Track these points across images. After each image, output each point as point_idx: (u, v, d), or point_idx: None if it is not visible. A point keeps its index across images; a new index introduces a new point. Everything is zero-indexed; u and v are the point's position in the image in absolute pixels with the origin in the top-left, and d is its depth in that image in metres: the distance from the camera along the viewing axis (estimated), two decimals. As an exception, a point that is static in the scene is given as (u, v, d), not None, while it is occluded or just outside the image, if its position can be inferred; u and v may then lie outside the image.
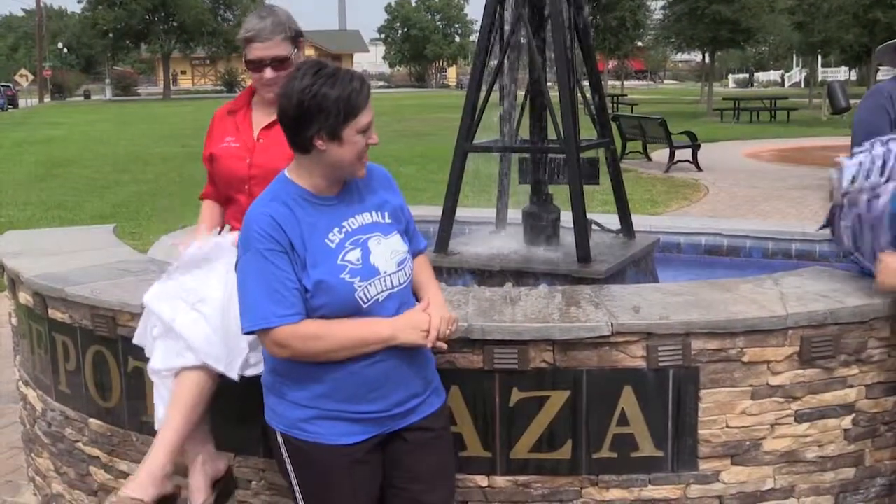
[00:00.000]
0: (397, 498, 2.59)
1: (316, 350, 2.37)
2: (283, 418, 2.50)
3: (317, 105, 2.29)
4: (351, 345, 2.38)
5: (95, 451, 3.55)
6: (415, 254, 2.66)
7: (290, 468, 2.53)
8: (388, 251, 2.46)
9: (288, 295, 2.34)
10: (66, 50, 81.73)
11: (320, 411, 2.44)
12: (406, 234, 2.60)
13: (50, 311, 3.60)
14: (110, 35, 62.29)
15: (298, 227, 2.38)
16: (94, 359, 3.44)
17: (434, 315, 2.48)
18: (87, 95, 67.35)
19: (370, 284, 2.41)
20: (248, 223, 2.40)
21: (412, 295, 2.59)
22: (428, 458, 2.58)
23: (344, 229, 2.44)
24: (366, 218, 2.49)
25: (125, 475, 3.45)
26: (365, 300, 2.41)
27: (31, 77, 56.43)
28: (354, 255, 2.41)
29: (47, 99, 62.97)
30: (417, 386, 2.53)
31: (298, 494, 2.54)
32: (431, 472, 2.60)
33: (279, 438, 2.52)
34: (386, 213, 2.54)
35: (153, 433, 3.02)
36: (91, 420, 3.53)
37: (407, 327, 2.43)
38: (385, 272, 2.44)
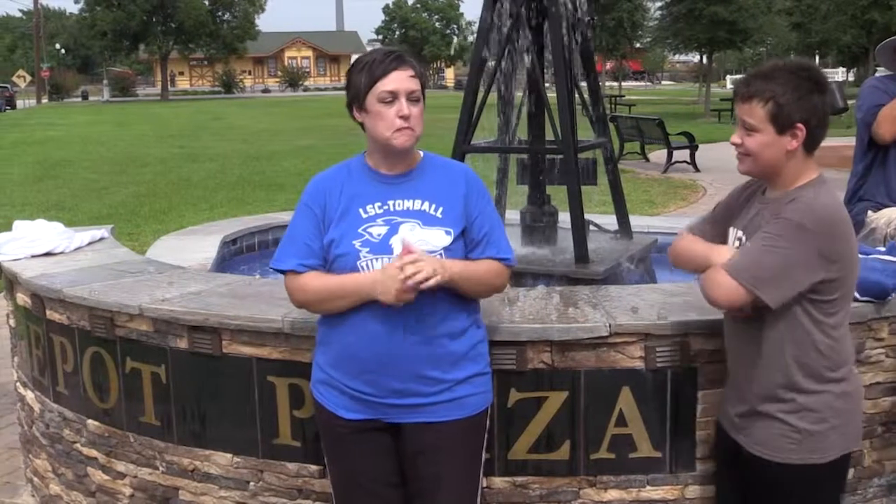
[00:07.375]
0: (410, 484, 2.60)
1: (303, 300, 2.54)
2: (313, 376, 2.63)
3: (349, 77, 2.50)
4: (327, 293, 2.46)
5: (93, 452, 3.54)
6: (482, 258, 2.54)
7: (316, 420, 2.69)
8: (414, 239, 2.41)
9: (301, 246, 2.50)
10: (63, 51, 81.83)
11: (329, 377, 2.55)
12: (463, 238, 2.49)
13: (48, 312, 3.59)
14: (108, 36, 62.16)
15: (338, 194, 2.49)
16: (92, 360, 3.44)
17: (404, 259, 2.34)
18: (84, 96, 67.31)
19: (377, 259, 2.42)
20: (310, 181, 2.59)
21: (432, 296, 2.42)
22: (427, 467, 2.52)
23: (385, 207, 2.47)
24: (415, 204, 2.49)
25: (123, 476, 3.45)
26: (366, 271, 2.43)
27: (28, 78, 56.49)
28: (378, 231, 2.45)
29: (45, 100, 62.95)
30: (414, 383, 2.46)
31: (323, 446, 2.68)
32: (430, 479, 2.53)
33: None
34: (441, 209, 2.49)
35: (151, 434, 3.01)
36: (89, 421, 3.53)
37: (386, 278, 2.34)
38: (399, 256, 2.39)
